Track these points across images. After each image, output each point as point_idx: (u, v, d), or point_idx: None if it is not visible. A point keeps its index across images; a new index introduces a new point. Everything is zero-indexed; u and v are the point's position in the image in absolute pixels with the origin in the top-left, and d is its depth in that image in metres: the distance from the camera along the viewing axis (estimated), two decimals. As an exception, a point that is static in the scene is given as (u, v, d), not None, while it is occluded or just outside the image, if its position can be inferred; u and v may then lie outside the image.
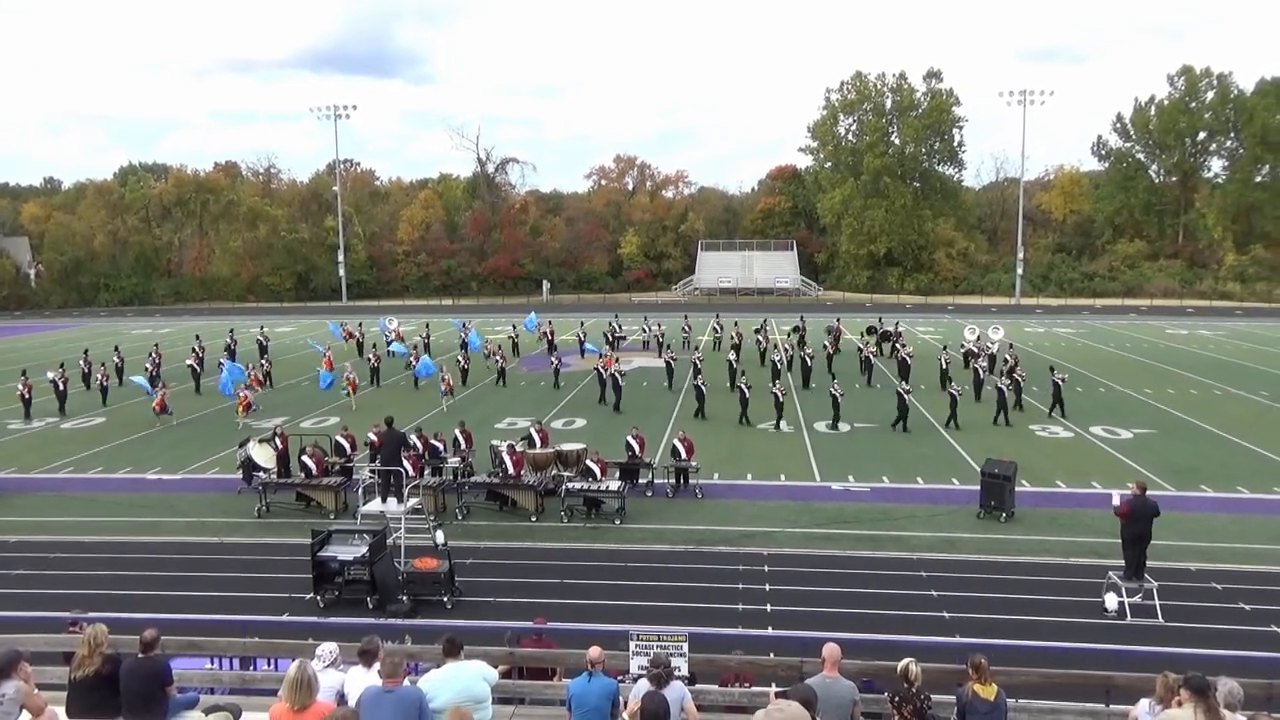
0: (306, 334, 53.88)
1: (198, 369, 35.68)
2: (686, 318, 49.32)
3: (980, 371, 32.39)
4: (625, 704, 7.75)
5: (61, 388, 31.11)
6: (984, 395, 30.35)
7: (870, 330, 43.78)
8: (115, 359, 37.12)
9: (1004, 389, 28.08)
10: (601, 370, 32.04)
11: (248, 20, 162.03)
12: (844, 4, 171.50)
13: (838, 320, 47.19)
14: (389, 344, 41.39)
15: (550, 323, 45.06)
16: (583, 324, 46.84)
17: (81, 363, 35.35)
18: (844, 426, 27.24)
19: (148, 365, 35.18)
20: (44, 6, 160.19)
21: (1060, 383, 29.08)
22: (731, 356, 34.11)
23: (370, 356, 37.14)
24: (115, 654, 7.48)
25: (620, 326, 47.80)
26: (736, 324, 47.04)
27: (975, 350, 35.84)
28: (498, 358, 36.08)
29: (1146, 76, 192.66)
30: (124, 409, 31.36)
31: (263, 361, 37.18)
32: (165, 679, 7.46)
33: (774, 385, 28.17)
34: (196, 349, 37.78)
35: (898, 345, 38.12)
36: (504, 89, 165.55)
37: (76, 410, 31.15)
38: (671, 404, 31.19)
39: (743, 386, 28.40)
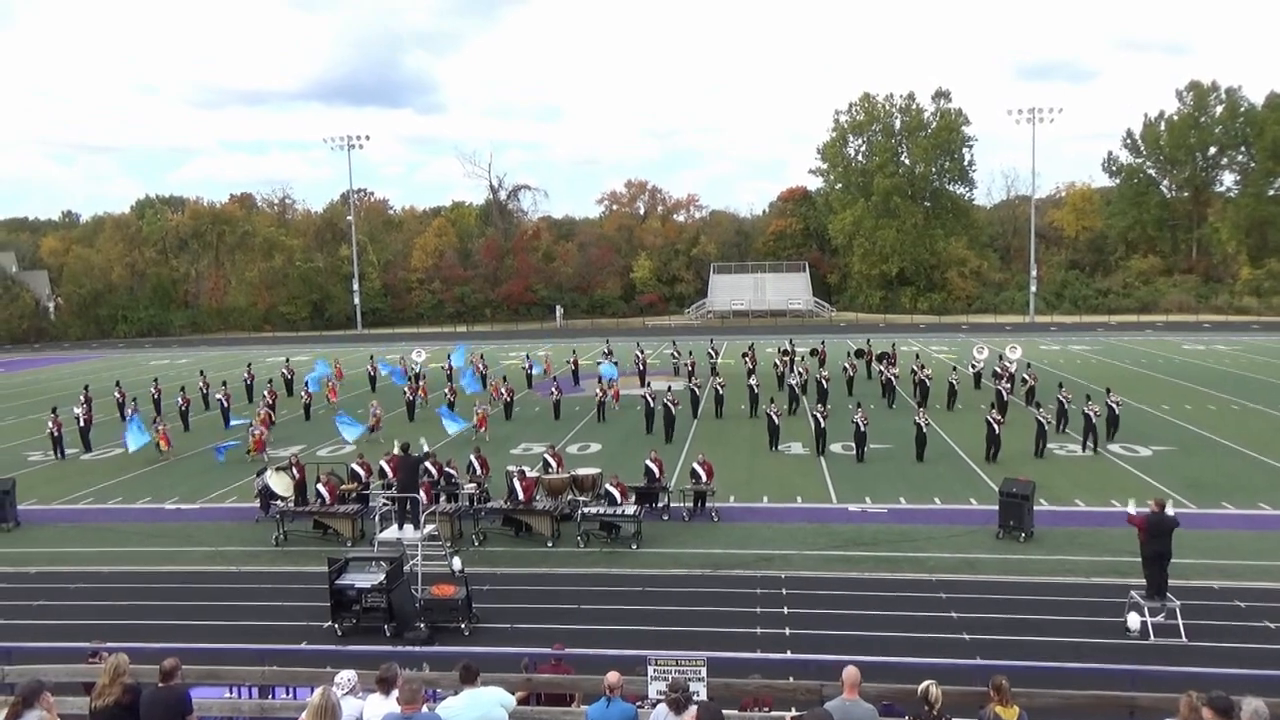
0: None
1: (225, 404, 34.47)
2: (712, 341, 49.10)
3: (1004, 393, 32.12)
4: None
5: (83, 423, 30.83)
6: (1009, 417, 29.28)
7: (859, 353, 43.39)
8: (152, 391, 37.19)
9: (1091, 414, 26.34)
10: (609, 397, 32.15)
11: (258, 53, 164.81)
12: (847, 20, 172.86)
13: (822, 343, 46.96)
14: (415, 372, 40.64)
15: (575, 351, 45.28)
16: (610, 351, 46.81)
17: (116, 394, 35.29)
18: (835, 448, 27.02)
19: (178, 400, 34.37)
20: (60, 38, 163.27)
21: (1115, 405, 27.74)
22: (753, 382, 34.03)
23: (405, 390, 36.18)
24: (135, 683, 7.50)
25: (644, 351, 47.79)
26: (752, 347, 47.00)
27: (998, 371, 35.61)
28: (503, 390, 35.39)
29: (1155, 92, 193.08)
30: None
31: (303, 394, 36.50)
32: (185, 708, 7.50)
33: (818, 408, 27.82)
34: (202, 386, 37.69)
35: (882, 368, 37.99)
36: (511, 113, 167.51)
37: (99, 441, 31.24)
38: (688, 428, 31.13)
39: (772, 413, 28.13)
